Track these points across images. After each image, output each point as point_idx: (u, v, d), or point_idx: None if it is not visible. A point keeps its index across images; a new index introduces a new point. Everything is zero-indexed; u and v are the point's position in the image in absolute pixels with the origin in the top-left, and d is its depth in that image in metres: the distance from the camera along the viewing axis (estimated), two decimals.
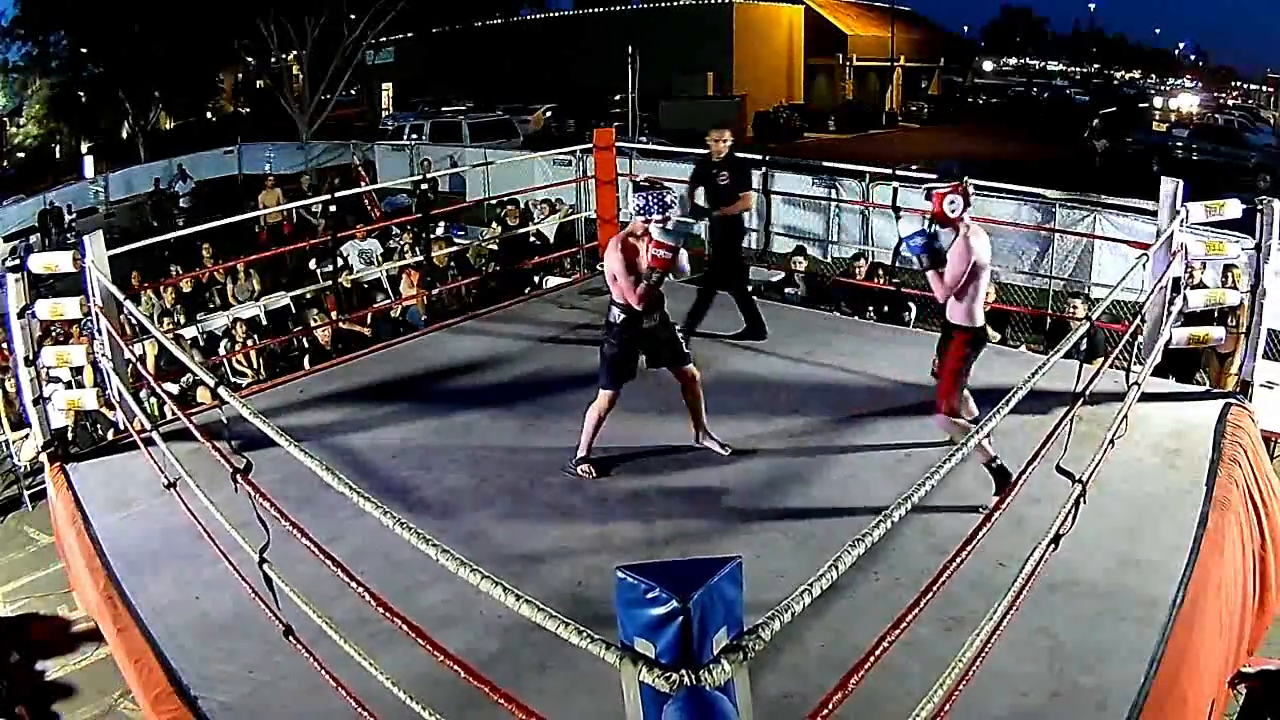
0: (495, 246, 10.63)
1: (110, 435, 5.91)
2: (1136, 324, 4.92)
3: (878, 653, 2.08)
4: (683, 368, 4.65)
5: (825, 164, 11.26)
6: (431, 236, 10.55)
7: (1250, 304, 5.11)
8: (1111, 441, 3.46)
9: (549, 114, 30.31)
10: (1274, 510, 4.51)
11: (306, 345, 8.49)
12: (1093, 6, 72.87)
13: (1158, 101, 40.16)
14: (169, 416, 5.99)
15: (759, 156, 10.45)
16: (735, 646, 1.68)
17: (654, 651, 1.66)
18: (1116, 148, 24.01)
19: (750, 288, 6.84)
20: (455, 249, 10.36)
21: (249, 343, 8.71)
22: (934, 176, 4.88)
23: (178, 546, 3.97)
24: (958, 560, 2.42)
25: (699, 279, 6.36)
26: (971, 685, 2.49)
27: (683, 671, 1.62)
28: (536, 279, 9.64)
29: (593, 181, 8.03)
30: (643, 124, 25.14)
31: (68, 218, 17.82)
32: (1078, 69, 66.64)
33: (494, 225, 11.45)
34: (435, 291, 8.64)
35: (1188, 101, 40.13)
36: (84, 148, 26.20)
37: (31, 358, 4.87)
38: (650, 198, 4.22)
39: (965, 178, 4.17)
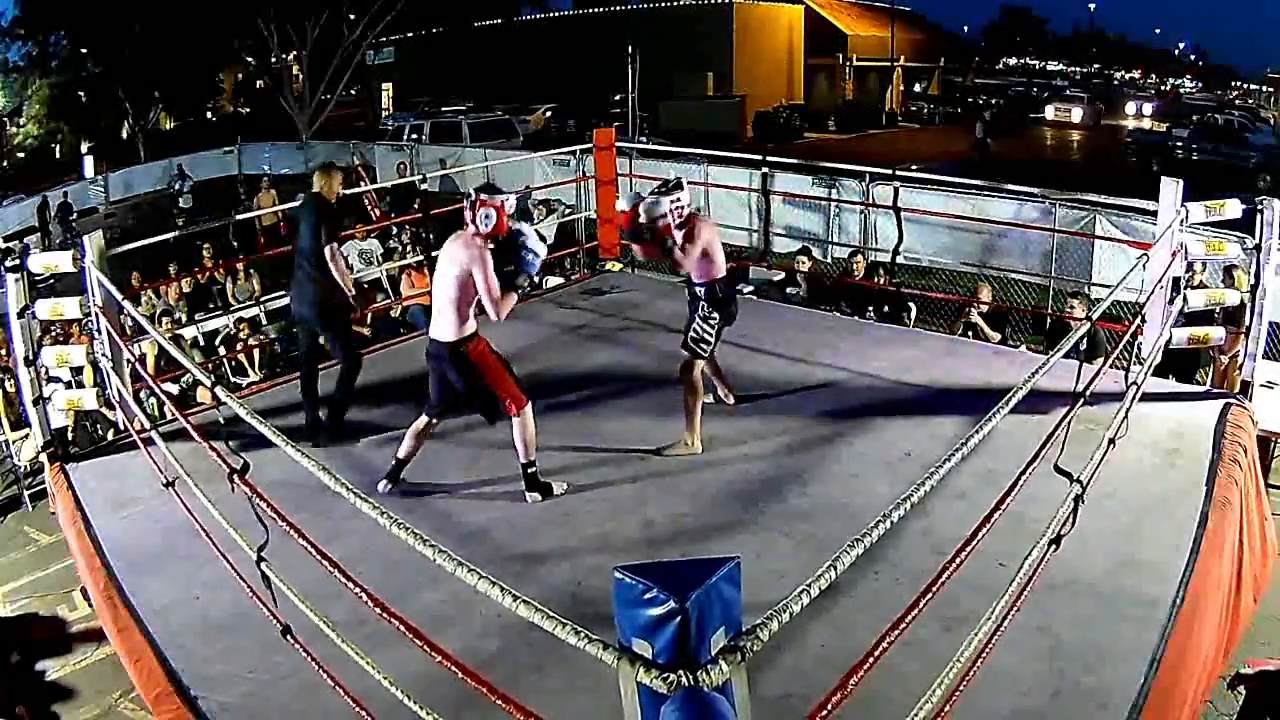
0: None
1: (110, 435, 5.91)
2: (1136, 324, 4.92)
3: (877, 653, 2.07)
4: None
5: (825, 164, 11.22)
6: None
7: (1250, 304, 5.11)
8: (1111, 441, 3.46)
9: (549, 114, 30.29)
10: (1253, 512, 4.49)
11: None
12: (1093, 6, 72.61)
13: (1049, 112, 36.74)
14: (169, 416, 5.98)
15: (758, 157, 10.43)
16: (733, 647, 1.68)
17: (652, 652, 1.65)
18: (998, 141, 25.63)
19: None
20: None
21: (249, 343, 8.70)
22: (935, 177, 4.92)
23: (177, 546, 3.98)
24: (957, 560, 2.42)
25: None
26: (972, 685, 2.49)
27: (680, 672, 1.61)
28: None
29: (592, 181, 8.03)
30: (643, 124, 25.14)
31: (69, 217, 17.80)
32: (1078, 69, 66.54)
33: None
34: None
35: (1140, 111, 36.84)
36: (84, 148, 26.19)
37: (31, 358, 4.87)
38: None
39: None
